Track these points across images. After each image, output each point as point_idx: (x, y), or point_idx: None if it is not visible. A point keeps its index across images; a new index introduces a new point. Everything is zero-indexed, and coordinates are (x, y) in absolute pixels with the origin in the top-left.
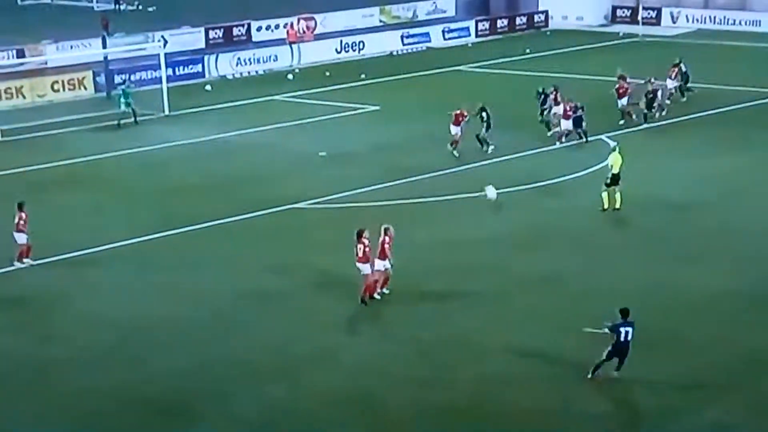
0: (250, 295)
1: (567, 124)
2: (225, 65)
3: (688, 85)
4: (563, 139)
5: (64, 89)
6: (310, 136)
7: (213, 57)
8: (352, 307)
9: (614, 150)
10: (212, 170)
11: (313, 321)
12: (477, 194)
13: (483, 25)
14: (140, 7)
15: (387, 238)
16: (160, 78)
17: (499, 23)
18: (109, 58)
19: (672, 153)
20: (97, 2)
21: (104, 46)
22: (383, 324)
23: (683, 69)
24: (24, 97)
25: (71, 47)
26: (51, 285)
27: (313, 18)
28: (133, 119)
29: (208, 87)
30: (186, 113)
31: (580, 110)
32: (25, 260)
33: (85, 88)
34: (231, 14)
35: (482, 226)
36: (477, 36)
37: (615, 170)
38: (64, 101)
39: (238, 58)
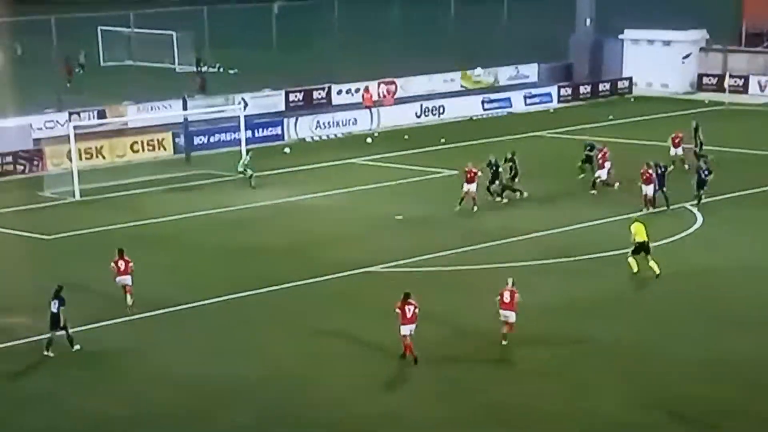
0: (318, 355)
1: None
2: (305, 128)
3: (702, 150)
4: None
5: (143, 150)
6: (388, 199)
7: (293, 120)
8: (419, 369)
9: (636, 220)
10: (289, 232)
11: (379, 381)
12: (554, 260)
13: (565, 90)
14: (221, 69)
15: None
16: (240, 140)
17: (582, 89)
18: (189, 119)
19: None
20: (179, 64)
21: (185, 108)
22: (449, 383)
23: (700, 136)
24: (103, 157)
25: (151, 108)
26: (125, 341)
27: (393, 82)
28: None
29: (287, 149)
30: (265, 175)
31: (662, 168)
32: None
33: (165, 149)
34: (312, 77)
35: (559, 292)
36: (559, 102)
37: (638, 239)
38: (143, 162)
39: (318, 121)
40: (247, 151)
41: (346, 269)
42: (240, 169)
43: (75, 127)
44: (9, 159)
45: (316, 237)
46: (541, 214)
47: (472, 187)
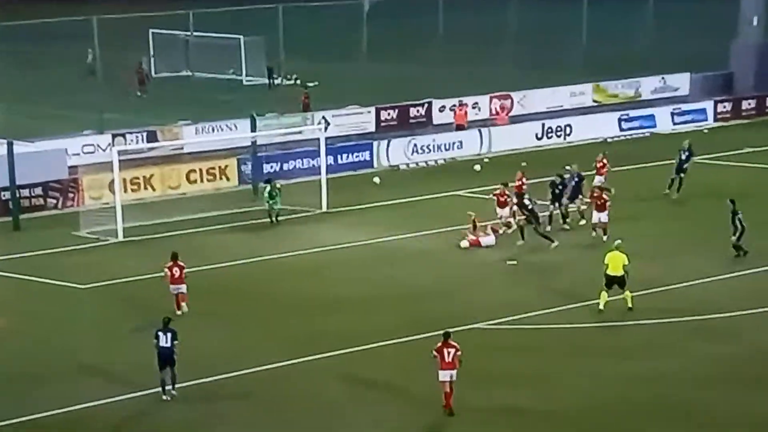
0: (410, 428)
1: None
2: (398, 153)
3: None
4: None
5: (201, 180)
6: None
7: (384, 143)
8: None
9: (614, 248)
10: (376, 280)
11: None
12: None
13: (724, 106)
14: (298, 82)
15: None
16: (319, 168)
17: (745, 104)
18: (258, 142)
19: None
20: (247, 75)
21: (253, 129)
22: None
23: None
24: (153, 189)
25: (212, 129)
26: (181, 416)
27: (508, 96)
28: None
29: (376, 179)
30: (348, 210)
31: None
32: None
33: (228, 179)
34: (409, 91)
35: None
36: (716, 120)
37: (610, 271)
38: (201, 194)
39: (415, 144)
40: (268, 181)
41: (445, 326)
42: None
43: (119, 152)
44: (39, 191)
45: (410, 286)
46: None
47: (504, 212)
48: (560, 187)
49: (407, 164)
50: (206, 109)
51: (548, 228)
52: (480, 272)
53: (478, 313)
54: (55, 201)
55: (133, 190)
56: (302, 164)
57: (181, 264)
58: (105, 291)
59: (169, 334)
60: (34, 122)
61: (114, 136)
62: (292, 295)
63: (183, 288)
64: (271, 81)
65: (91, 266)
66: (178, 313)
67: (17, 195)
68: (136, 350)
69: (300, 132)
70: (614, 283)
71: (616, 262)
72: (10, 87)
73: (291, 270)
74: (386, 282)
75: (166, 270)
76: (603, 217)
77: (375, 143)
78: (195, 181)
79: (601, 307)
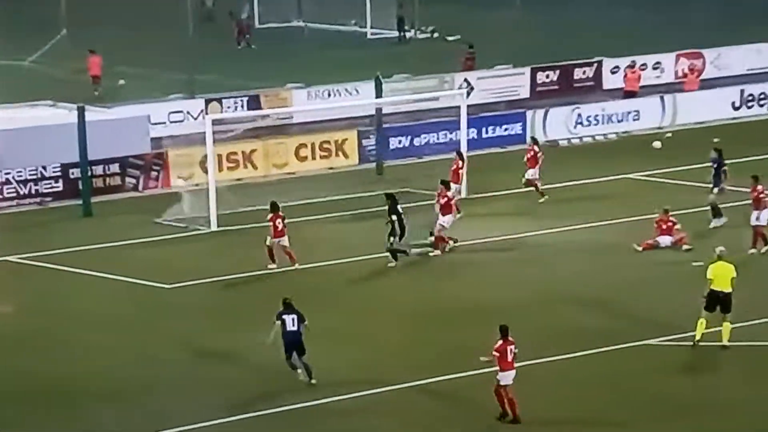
0: None
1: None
2: (558, 125)
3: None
4: None
5: (314, 156)
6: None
7: (541, 112)
8: None
9: (718, 258)
10: (520, 282)
11: None
12: None
13: None
14: (435, 35)
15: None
16: (459, 143)
17: None
18: (384, 111)
19: None
20: (371, 27)
21: (378, 94)
22: None
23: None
24: (255, 167)
25: (328, 94)
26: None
27: (699, 55)
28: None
29: (656, 143)
30: (491, 197)
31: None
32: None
33: (346, 156)
34: (573, 48)
35: None
36: None
37: (716, 286)
38: (313, 174)
39: (579, 115)
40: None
41: (604, 341)
42: None
43: (214, 122)
44: (115, 168)
45: (562, 291)
46: None
47: (667, 241)
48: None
49: (568, 139)
50: (321, 70)
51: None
52: (654, 275)
53: (647, 325)
54: (134, 181)
55: (229, 169)
56: (438, 138)
57: (282, 214)
58: (195, 292)
59: (294, 317)
60: (110, 82)
61: (208, 101)
62: (415, 301)
63: (285, 241)
64: (402, 34)
65: (178, 261)
66: (272, 266)
67: (89, 173)
68: (245, 359)
69: (436, 98)
70: (718, 303)
71: (723, 275)
72: (81, 38)
73: (422, 270)
74: (535, 286)
75: (271, 222)
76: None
77: (529, 113)
78: (305, 158)
79: (697, 338)
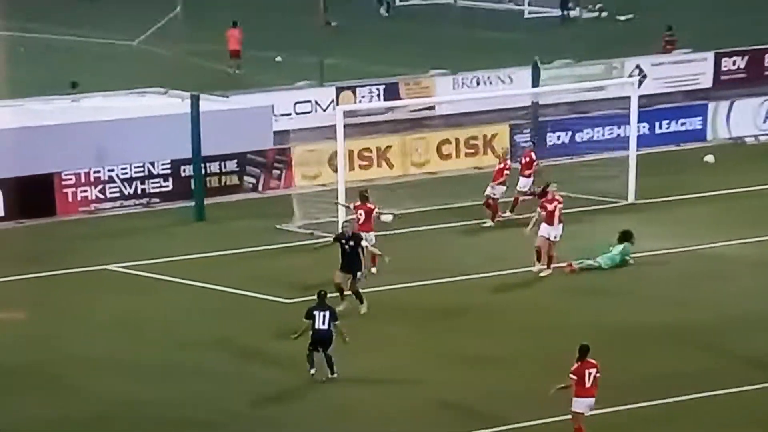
0: None
1: None
2: (745, 120)
3: None
4: None
5: (458, 154)
6: None
7: (724, 105)
8: None
9: None
10: (687, 302)
11: None
12: None
13: None
14: (604, 14)
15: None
16: (628, 139)
17: None
18: (541, 102)
19: None
20: (529, 5)
21: (536, 83)
22: None
23: None
24: (390, 166)
25: (477, 82)
26: None
27: None
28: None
29: (709, 157)
30: (665, 202)
31: None
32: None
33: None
34: (764, 30)
35: None
36: None
37: None
38: (457, 175)
39: None
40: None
41: None
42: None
43: (346, 113)
44: (232, 166)
45: (739, 315)
46: None
47: None
48: None
49: (756, 137)
50: (469, 53)
51: None
52: None
53: None
54: (254, 180)
55: (362, 168)
56: (603, 134)
57: (371, 206)
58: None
59: (326, 314)
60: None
61: (339, 90)
62: (577, 323)
63: (372, 238)
64: (565, 13)
65: (301, 273)
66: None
67: (203, 171)
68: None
69: (602, 88)
70: None
71: None
72: (197, 18)
73: (576, 287)
74: (702, 306)
75: (354, 210)
76: None
77: (711, 105)
78: (449, 156)
79: None
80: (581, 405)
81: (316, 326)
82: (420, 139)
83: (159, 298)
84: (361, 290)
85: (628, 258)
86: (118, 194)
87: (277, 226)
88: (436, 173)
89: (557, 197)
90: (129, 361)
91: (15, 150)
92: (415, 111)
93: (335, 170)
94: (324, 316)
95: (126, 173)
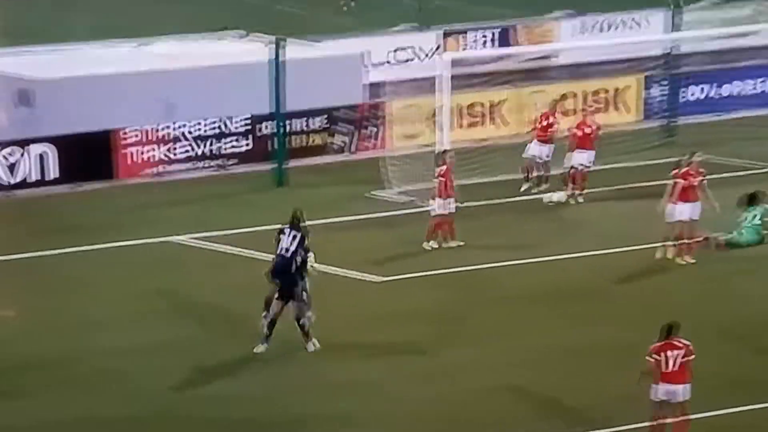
0: None
1: None
2: None
3: None
4: None
5: (579, 110)
6: None
7: None
8: None
9: None
10: None
11: None
12: None
13: None
14: None
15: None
16: None
17: None
18: (680, 50)
19: None
20: None
21: (674, 28)
22: None
23: None
24: (503, 123)
25: (603, 27)
26: None
27: None
28: None
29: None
30: None
31: None
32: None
33: (627, 110)
34: None
35: None
36: None
37: None
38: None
39: None
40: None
41: None
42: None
43: (453, 62)
44: (318, 123)
45: None
46: None
47: None
48: None
49: None
50: None
51: None
52: None
53: None
54: (344, 141)
55: (470, 126)
56: (753, 88)
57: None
58: (410, 285)
59: (293, 234)
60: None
61: (447, 34)
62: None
63: (451, 205)
64: None
65: (395, 247)
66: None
67: (285, 129)
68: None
69: (753, 33)
70: None
71: None
72: None
73: (715, 270)
74: None
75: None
76: None
77: None
78: (571, 111)
79: None
80: (659, 392)
81: (281, 246)
82: (538, 93)
83: (232, 275)
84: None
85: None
86: (188, 155)
87: (369, 194)
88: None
89: (700, 169)
90: (199, 350)
91: (70, 103)
92: (532, 60)
93: (439, 128)
94: (289, 237)
95: (197, 130)
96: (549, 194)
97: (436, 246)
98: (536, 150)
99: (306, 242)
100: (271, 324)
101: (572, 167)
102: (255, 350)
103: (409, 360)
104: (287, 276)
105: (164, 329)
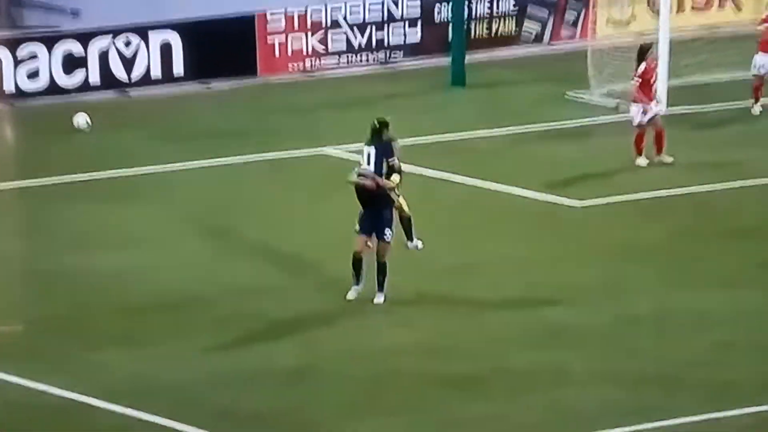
0: None
1: None
2: None
3: None
4: None
5: None
6: None
7: None
8: None
9: None
10: None
11: None
12: None
13: None
14: None
15: None
16: None
17: None
18: None
19: None
20: None
21: None
22: None
23: None
24: (738, 8)
25: None
26: None
27: None
28: None
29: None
30: None
31: None
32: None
33: None
34: None
35: None
36: None
37: None
38: None
39: None
40: None
41: None
42: None
43: None
44: (505, 6)
45: None
46: None
47: None
48: None
49: None
50: None
51: None
52: None
53: None
54: (537, 28)
55: (696, 9)
56: None
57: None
58: (617, 213)
59: (370, 152)
60: None
61: None
62: None
63: (656, 107)
64: None
65: (601, 163)
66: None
67: (463, 15)
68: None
69: None
70: None
71: None
72: None
73: None
74: None
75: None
76: None
77: None
78: None
79: None
80: None
81: (360, 167)
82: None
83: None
84: None
85: None
86: (344, 47)
87: (568, 94)
88: None
89: None
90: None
91: None
92: None
93: (657, 13)
94: (370, 154)
95: (357, 16)
96: None
97: (647, 162)
98: (762, 60)
99: (392, 160)
100: (357, 263)
101: None
102: (347, 296)
103: (633, 304)
104: (368, 205)
105: (324, 256)
